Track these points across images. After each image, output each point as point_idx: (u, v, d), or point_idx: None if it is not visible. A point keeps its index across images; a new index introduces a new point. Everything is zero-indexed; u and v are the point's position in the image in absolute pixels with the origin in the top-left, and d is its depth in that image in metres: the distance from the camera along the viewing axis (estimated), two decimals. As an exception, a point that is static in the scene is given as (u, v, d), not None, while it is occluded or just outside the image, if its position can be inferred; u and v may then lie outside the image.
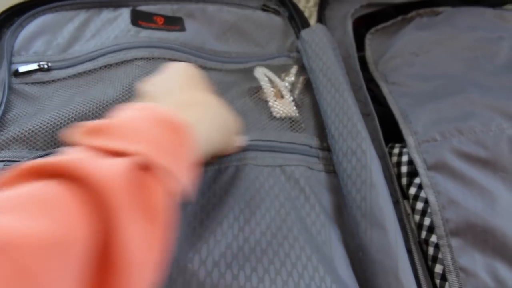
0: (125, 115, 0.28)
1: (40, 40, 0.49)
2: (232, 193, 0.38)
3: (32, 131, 0.41)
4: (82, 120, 0.42)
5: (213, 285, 0.33)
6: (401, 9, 0.60)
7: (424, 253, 0.41)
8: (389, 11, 0.61)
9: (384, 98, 0.51)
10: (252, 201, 0.38)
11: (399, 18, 0.59)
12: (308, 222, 0.38)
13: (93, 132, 0.27)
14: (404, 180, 0.45)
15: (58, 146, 0.41)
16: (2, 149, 0.40)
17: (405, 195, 0.45)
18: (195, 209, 0.37)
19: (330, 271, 0.35)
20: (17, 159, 0.39)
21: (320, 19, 0.58)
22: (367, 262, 0.38)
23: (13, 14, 0.55)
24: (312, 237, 0.37)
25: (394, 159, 0.47)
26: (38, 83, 0.46)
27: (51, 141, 0.41)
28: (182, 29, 0.51)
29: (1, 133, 0.41)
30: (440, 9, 0.59)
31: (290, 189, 0.39)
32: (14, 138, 0.40)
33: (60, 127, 0.41)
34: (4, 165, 0.39)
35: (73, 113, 0.42)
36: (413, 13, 0.59)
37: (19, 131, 0.41)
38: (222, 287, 0.33)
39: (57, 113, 0.42)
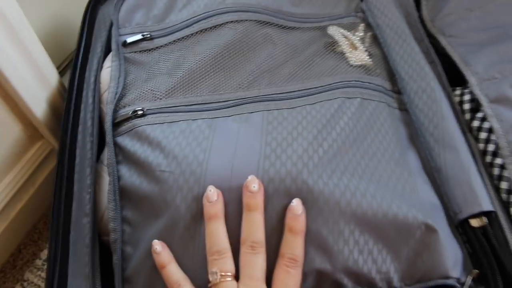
0: None
1: (140, 12, 0.57)
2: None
3: (151, 90, 0.49)
4: (191, 78, 0.49)
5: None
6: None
7: (490, 174, 0.47)
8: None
9: (443, 49, 0.57)
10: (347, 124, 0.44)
11: (452, -21, 0.64)
12: (392, 143, 0.45)
13: None
14: (467, 116, 0.51)
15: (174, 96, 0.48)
16: (130, 105, 0.48)
17: (470, 129, 0.51)
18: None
19: (412, 176, 0.42)
20: (140, 109, 0.47)
21: (379, -16, 0.64)
22: (443, 179, 0.44)
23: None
24: (394, 155, 0.44)
25: (457, 99, 0.52)
26: (144, 51, 0.54)
27: (169, 94, 0.48)
28: (262, -5, 0.58)
29: (127, 95, 0.49)
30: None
31: (376, 119, 0.46)
32: (136, 97, 0.48)
33: (174, 82, 0.49)
34: (132, 113, 0.47)
35: (184, 74, 0.49)
36: (465, -25, 0.64)
37: (140, 92, 0.49)
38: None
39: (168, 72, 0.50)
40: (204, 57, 0.50)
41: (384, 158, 0.43)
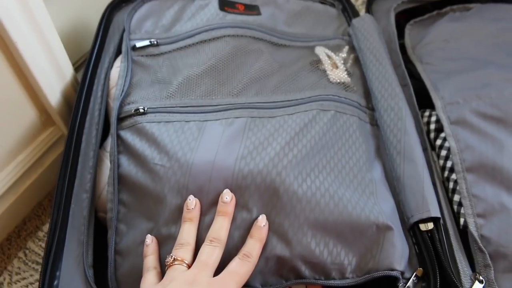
0: None
1: (149, 21, 0.64)
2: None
3: (153, 91, 0.55)
4: (188, 83, 0.56)
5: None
6: (437, 5, 0.72)
7: (446, 188, 0.53)
8: (427, 7, 0.73)
9: (419, 75, 0.63)
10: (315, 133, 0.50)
11: (435, 12, 0.71)
12: (358, 152, 0.51)
13: None
14: (432, 135, 0.57)
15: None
16: (133, 103, 0.54)
17: (433, 147, 0.57)
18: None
19: (373, 182, 0.49)
20: (142, 107, 0.53)
21: (368, 11, 0.71)
22: (400, 187, 0.50)
23: (122, 1, 0.70)
24: (359, 162, 0.50)
25: (425, 119, 0.59)
26: (150, 55, 0.61)
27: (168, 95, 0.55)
28: (259, 13, 0.65)
29: (132, 94, 0.56)
30: (471, 5, 0.71)
31: (346, 129, 0.52)
32: (140, 96, 0.55)
33: (174, 85, 0.55)
34: (134, 110, 0.53)
35: (183, 79, 0.56)
36: (447, 9, 0.71)
37: (144, 92, 0.55)
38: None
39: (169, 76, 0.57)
40: (201, 65, 0.57)
41: (349, 164, 0.49)
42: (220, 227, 0.44)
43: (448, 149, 0.54)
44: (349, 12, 0.69)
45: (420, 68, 0.64)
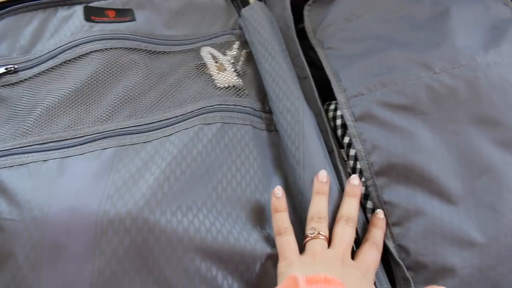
0: None
1: (4, 44, 0.54)
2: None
3: (9, 129, 0.46)
4: (49, 114, 0.47)
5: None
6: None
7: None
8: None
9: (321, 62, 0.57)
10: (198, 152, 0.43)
11: (334, -12, 0.64)
12: (253, 168, 0.44)
13: None
14: (339, 132, 0.51)
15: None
16: None
17: (341, 145, 0.50)
18: None
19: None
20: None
21: (260, -4, 0.63)
22: (305, 202, 0.44)
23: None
24: (254, 180, 0.43)
25: (331, 114, 0.52)
26: (8, 85, 0.51)
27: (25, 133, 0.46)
28: (133, 19, 0.57)
29: None
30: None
31: (237, 143, 0.45)
32: None
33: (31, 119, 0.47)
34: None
35: (42, 110, 0.47)
36: (347, -16, 0.64)
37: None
38: None
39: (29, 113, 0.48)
40: (64, 92, 0.48)
41: (241, 186, 0.43)
42: (350, 207, 0.43)
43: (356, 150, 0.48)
44: (238, 1, 0.61)
45: (321, 54, 0.57)
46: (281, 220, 0.42)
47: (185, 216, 0.39)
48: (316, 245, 0.40)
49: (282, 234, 0.41)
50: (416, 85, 0.49)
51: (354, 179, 0.45)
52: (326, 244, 0.41)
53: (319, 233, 0.41)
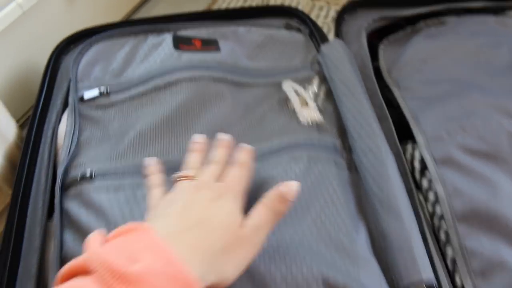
0: (146, 266, 0.29)
1: (98, 66, 0.58)
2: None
3: (104, 151, 0.49)
4: (142, 140, 0.50)
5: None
6: (410, 21, 0.66)
7: (438, 239, 0.47)
8: (399, 23, 0.67)
9: (398, 102, 0.58)
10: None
11: (408, 29, 0.66)
12: (335, 209, 0.45)
13: (117, 277, 0.28)
14: (417, 174, 0.51)
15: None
16: (80, 166, 0.48)
17: (419, 187, 0.51)
18: None
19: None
20: (89, 172, 0.47)
21: (337, 34, 0.65)
22: (387, 246, 0.44)
23: (70, 43, 0.64)
24: (337, 224, 0.44)
25: (408, 155, 0.53)
26: (101, 107, 0.54)
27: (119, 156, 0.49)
28: (218, 49, 0.59)
29: (79, 154, 0.50)
30: (445, 18, 0.66)
31: (322, 181, 0.46)
32: (89, 158, 0.49)
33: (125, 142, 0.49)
34: (80, 177, 0.47)
35: (135, 135, 0.50)
36: (421, 24, 0.65)
37: (92, 152, 0.49)
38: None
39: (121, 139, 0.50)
40: (156, 119, 0.51)
41: (325, 226, 0.43)
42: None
43: (436, 193, 0.48)
44: (317, 37, 0.63)
45: (397, 94, 0.58)
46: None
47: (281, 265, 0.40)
48: (180, 183, 0.40)
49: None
50: (498, 132, 0.49)
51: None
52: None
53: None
